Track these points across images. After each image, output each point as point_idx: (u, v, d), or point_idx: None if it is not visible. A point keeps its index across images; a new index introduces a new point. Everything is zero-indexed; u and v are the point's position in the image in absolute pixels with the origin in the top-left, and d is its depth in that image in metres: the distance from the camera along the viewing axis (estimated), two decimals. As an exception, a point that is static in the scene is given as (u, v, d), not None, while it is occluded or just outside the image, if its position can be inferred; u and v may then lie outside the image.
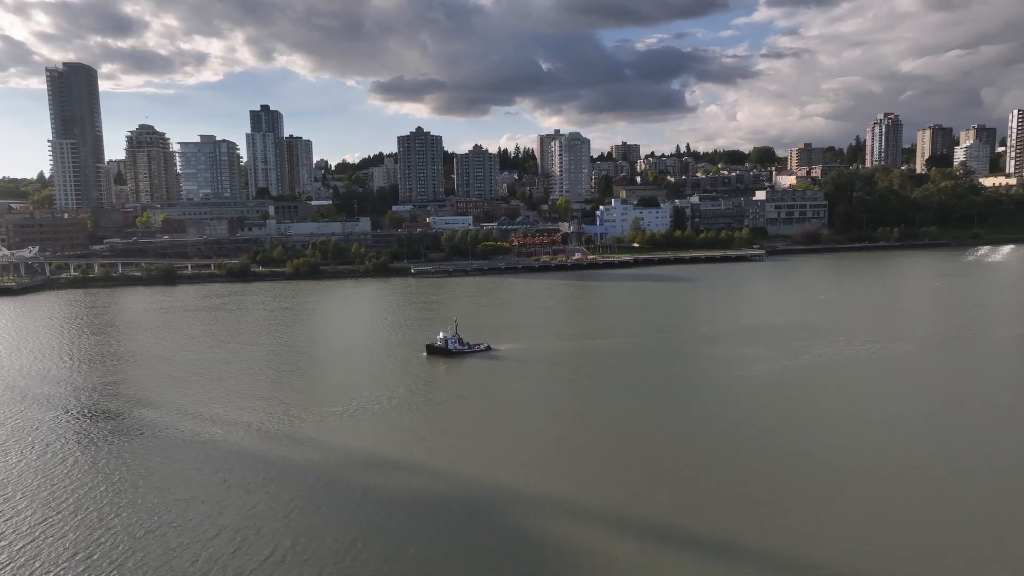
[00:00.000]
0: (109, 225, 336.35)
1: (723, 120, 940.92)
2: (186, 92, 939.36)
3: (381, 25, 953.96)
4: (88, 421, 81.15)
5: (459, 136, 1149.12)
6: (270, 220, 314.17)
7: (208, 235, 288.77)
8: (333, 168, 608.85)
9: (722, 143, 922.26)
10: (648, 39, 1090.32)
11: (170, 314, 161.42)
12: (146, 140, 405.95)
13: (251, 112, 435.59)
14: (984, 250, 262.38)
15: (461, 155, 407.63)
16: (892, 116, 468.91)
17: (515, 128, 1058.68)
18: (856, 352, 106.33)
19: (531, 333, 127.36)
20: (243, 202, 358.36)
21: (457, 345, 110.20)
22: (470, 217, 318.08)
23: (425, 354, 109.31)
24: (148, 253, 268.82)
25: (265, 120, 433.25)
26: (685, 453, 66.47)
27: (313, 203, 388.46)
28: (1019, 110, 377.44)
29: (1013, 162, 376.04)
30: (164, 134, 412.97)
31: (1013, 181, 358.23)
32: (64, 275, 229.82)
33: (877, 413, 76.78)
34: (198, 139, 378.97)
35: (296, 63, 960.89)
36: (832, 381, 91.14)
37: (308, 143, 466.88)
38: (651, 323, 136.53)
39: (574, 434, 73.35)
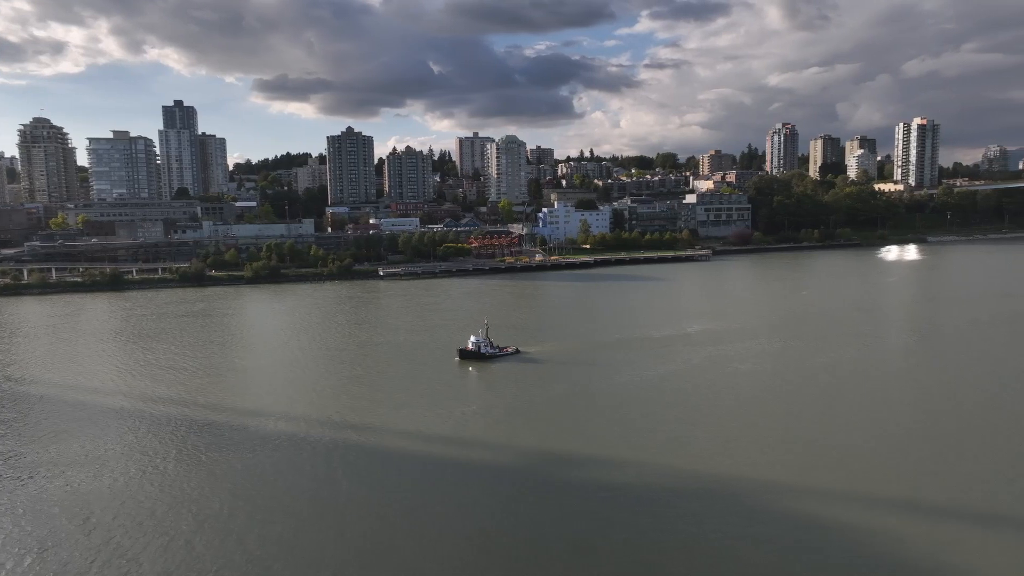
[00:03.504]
0: (11, 227, 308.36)
1: (607, 127, 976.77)
2: (41, 84, 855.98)
3: (263, 21, 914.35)
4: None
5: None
6: (206, 222, 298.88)
7: (143, 238, 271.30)
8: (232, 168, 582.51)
9: (607, 149, 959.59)
10: (537, 45, 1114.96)
11: (172, 321, 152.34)
12: (43, 135, 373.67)
13: (164, 108, 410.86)
14: (895, 249, 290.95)
15: (393, 156, 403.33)
16: (789, 126, 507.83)
17: (404, 131, 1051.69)
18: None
19: (551, 335, 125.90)
20: (168, 203, 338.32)
21: (488, 349, 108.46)
22: (417, 219, 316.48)
23: (458, 359, 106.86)
24: (77, 257, 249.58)
25: (179, 117, 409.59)
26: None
27: (238, 204, 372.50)
28: (903, 124, 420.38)
29: (899, 170, 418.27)
30: (63, 128, 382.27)
31: (901, 187, 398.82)
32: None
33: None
34: (110, 135, 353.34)
35: (169, 57, 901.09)
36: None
37: (222, 141, 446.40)
38: (672, 317, 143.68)
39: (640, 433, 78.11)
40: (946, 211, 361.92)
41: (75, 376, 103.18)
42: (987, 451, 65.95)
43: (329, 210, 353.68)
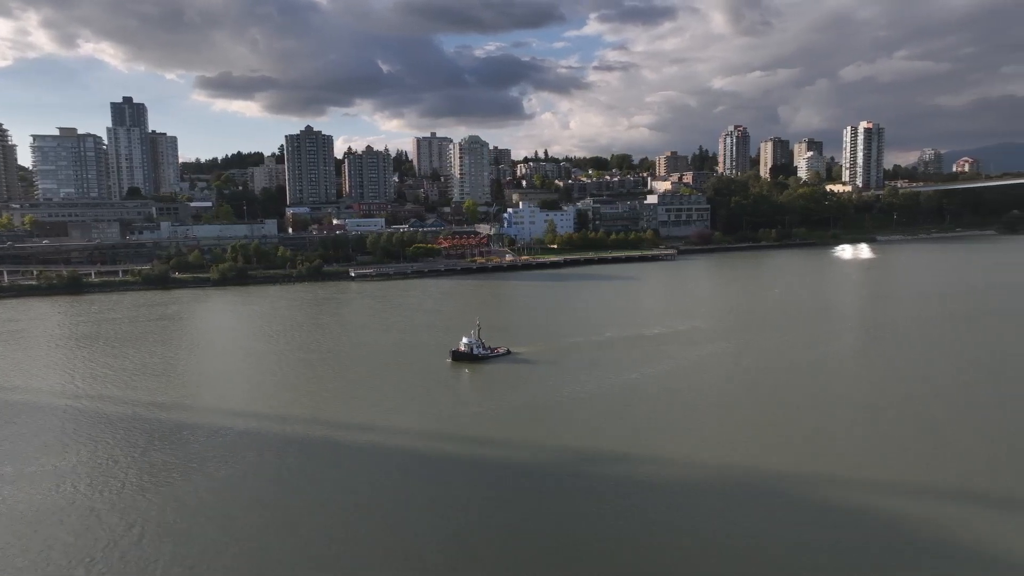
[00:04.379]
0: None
1: (557, 128, 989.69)
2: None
3: (205, 16, 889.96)
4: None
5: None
6: (164, 223, 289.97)
7: (99, 239, 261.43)
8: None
9: (557, 150, 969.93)
10: (487, 46, 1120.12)
11: (147, 325, 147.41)
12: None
13: (113, 105, 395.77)
14: (849, 248, 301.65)
15: (354, 156, 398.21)
16: (741, 128, 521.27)
17: (353, 130, 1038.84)
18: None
19: (538, 335, 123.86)
20: (121, 203, 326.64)
21: (481, 350, 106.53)
22: (382, 220, 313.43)
23: (450, 360, 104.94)
24: (28, 260, 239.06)
25: (129, 114, 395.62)
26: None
27: (193, 204, 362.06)
28: (851, 127, 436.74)
29: (848, 172, 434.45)
30: (1, 124, 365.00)
31: (850, 188, 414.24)
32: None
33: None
34: (56, 132, 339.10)
35: (105, 51, 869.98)
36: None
37: (174, 140, 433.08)
38: (657, 316, 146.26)
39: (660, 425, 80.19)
40: (892, 211, 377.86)
41: (66, 384, 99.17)
42: (993, 441, 69.69)
43: (289, 210, 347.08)
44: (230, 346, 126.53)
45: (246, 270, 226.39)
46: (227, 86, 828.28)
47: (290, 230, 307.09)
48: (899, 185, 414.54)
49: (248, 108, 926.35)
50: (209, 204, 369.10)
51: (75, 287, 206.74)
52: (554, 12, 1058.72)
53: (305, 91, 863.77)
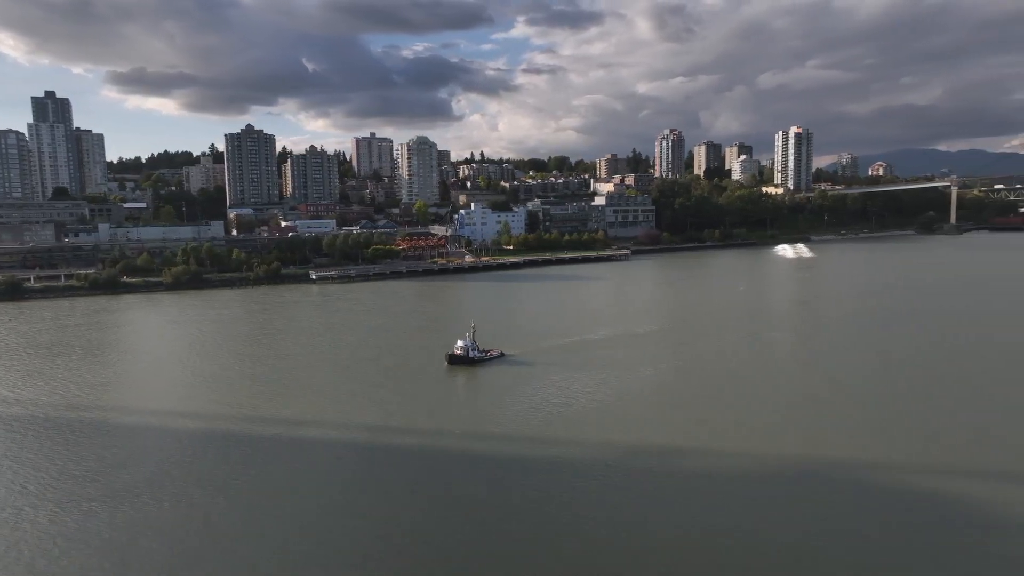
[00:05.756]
0: None
1: (485, 130, 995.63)
2: None
3: (116, 8, 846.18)
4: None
5: (213, 136, 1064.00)
6: (102, 224, 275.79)
7: (32, 242, 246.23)
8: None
9: (487, 151, 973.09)
10: (415, 46, 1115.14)
11: (116, 331, 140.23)
12: None
13: (33, 99, 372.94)
14: (788, 247, 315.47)
15: (298, 156, 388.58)
16: (676, 132, 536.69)
17: (276, 130, 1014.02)
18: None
19: (525, 336, 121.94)
20: (50, 204, 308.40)
21: (476, 352, 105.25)
22: (333, 221, 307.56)
23: (447, 364, 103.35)
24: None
25: (53, 109, 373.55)
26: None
27: (127, 205, 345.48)
28: (782, 132, 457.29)
29: (779, 175, 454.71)
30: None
31: (782, 190, 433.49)
32: None
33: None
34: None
35: (4, 43, 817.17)
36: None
37: (100, 137, 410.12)
38: (641, 315, 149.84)
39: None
40: (823, 212, 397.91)
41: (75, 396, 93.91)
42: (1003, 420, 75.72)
43: (233, 211, 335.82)
44: (220, 352, 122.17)
45: (201, 273, 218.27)
46: (141, 82, 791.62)
47: (234, 232, 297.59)
48: (827, 187, 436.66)
49: (164, 105, 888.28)
50: (144, 205, 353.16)
51: (15, 293, 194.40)
52: (482, 14, 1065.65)
53: (226, 89, 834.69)
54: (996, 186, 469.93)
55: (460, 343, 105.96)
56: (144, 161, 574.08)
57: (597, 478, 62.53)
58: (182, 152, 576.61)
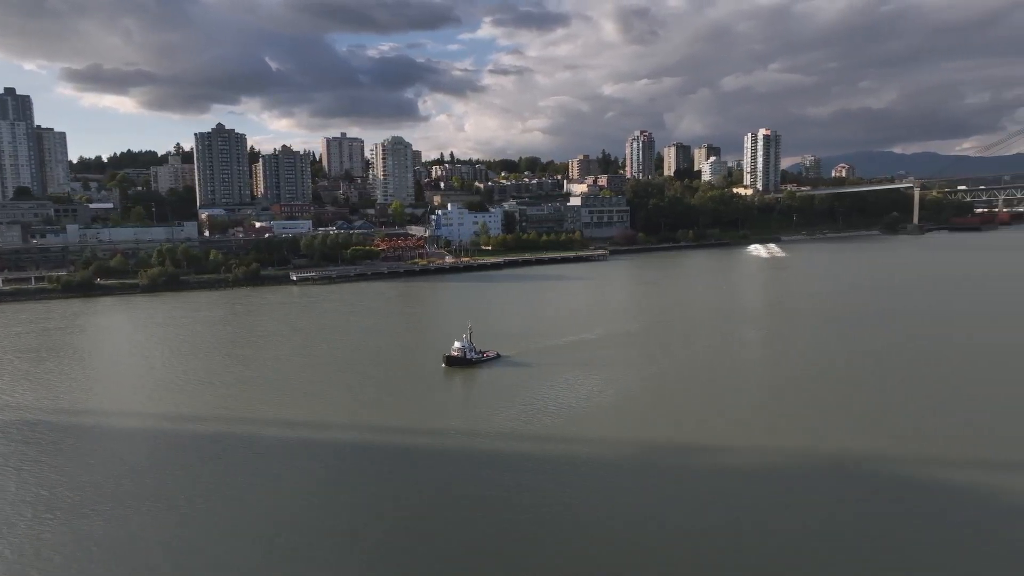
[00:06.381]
0: None
1: (452, 130, 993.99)
2: None
3: (71, 3, 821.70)
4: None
5: (174, 135, 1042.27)
6: (70, 225, 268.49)
7: (1, 243, 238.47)
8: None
9: (454, 152, 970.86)
10: (381, 46, 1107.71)
11: (97, 335, 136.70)
12: None
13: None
14: (761, 247, 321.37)
15: (270, 156, 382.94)
16: (647, 133, 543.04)
17: (239, 129, 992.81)
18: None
19: (516, 337, 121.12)
20: (14, 204, 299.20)
21: (474, 354, 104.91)
22: (309, 222, 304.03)
23: (444, 365, 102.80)
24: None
25: (13, 107, 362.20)
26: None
27: (93, 206, 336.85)
28: (751, 134, 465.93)
29: (749, 176, 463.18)
30: None
31: (751, 191, 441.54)
32: None
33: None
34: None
35: None
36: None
37: (62, 136, 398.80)
38: (628, 314, 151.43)
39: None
40: (792, 213, 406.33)
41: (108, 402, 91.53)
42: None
43: (204, 212, 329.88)
44: (214, 354, 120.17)
45: (178, 275, 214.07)
46: (98, 80, 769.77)
47: (207, 233, 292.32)
48: (795, 188, 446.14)
49: (122, 104, 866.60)
50: (111, 205, 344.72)
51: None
52: (449, 14, 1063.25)
53: (187, 87, 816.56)
54: (959, 187, 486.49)
55: (457, 344, 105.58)
56: (106, 161, 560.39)
57: (604, 476, 63.43)
58: (146, 151, 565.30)
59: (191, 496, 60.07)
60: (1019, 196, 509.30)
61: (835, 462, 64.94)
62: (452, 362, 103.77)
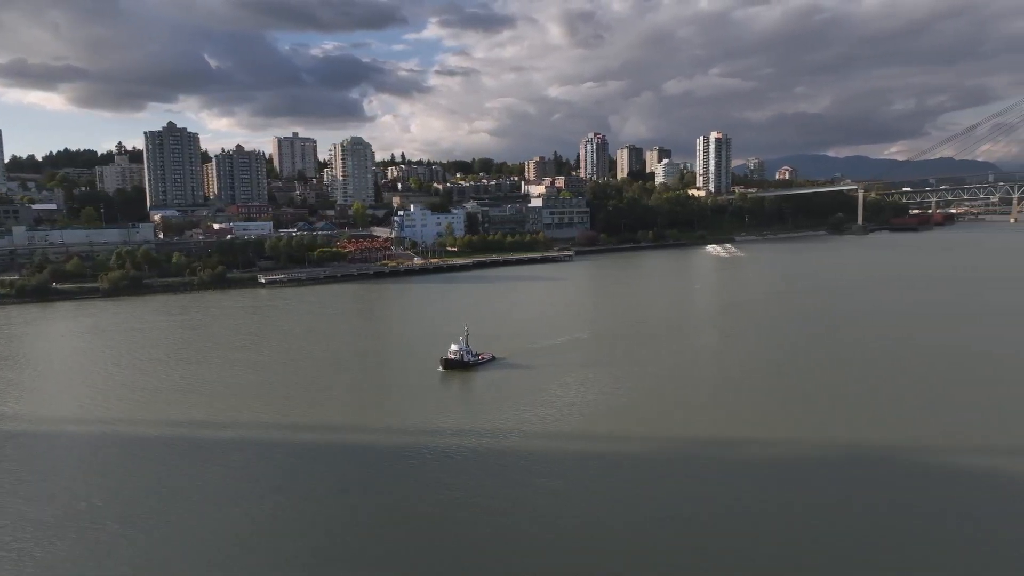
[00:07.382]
0: None
1: (398, 131, 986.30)
2: None
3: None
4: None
5: (107, 134, 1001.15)
6: (16, 228, 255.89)
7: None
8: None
9: (401, 153, 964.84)
10: (325, 45, 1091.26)
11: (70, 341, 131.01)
12: None
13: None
14: (718, 247, 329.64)
15: (224, 155, 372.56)
16: (600, 135, 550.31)
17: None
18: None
19: (507, 339, 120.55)
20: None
21: (470, 356, 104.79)
22: (269, 223, 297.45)
23: (441, 368, 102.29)
24: None
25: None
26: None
27: (36, 207, 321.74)
28: (704, 137, 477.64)
29: (702, 178, 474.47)
30: None
31: (704, 193, 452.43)
32: None
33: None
34: None
35: None
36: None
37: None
38: (616, 314, 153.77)
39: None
40: (743, 214, 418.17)
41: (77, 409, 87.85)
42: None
43: (156, 213, 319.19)
44: (210, 356, 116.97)
45: (140, 278, 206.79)
46: (22, 74, 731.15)
47: (161, 235, 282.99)
48: (745, 191, 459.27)
49: (50, 100, 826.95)
50: (55, 206, 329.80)
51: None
52: (395, 14, 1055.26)
53: (120, 84, 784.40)
54: (905, 188, 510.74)
55: (455, 347, 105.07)
56: (41, 160, 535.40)
57: (611, 476, 64.70)
58: (85, 150, 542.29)
59: (170, 505, 58.95)
60: (950, 198, 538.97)
61: (836, 462, 68.03)
62: (450, 365, 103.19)
